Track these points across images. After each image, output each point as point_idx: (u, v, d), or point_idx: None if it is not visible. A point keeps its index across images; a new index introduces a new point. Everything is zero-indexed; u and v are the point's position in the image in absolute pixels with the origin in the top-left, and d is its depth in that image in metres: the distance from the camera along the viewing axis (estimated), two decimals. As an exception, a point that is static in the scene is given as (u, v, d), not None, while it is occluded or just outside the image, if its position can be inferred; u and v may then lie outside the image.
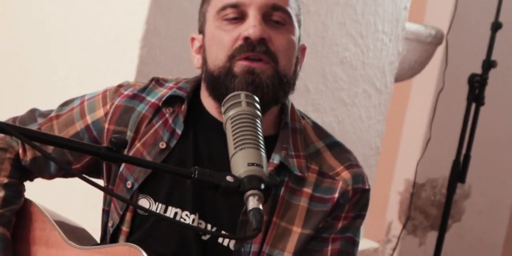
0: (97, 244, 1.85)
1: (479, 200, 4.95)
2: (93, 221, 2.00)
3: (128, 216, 1.82)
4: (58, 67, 2.77)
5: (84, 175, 1.84)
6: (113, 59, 2.63)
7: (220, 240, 1.78)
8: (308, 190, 1.77)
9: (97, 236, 1.91)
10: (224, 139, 1.53)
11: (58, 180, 1.99)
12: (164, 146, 1.81)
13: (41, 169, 1.91)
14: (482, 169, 4.72)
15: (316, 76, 3.14)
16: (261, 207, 1.40)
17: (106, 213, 1.88)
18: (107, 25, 2.65)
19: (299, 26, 1.82)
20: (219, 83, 1.74)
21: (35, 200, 1.89)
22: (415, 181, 4.34)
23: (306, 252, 1.78)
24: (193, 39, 1.86)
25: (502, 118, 4.87)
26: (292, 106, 1.85)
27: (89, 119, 1.88)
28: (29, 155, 1.89)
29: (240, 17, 1.75)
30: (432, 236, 4.45)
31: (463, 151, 3.87)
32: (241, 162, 1.45)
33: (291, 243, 1.76)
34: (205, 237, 1.78)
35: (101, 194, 1.96)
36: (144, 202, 1.80)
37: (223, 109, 1.56)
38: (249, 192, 1.41)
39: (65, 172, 1.93)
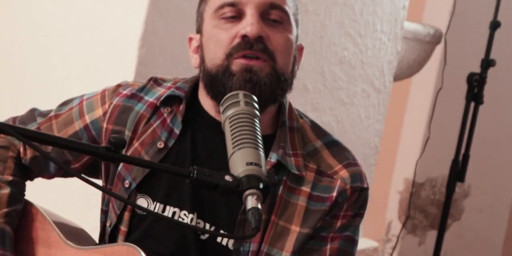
0: (96, 244, 1.85)
1: (478, 199, 4.95)
2: (92, 221, 2.00)
3: (126, 215, 1.82)
4: (58, 67, 2.77)
5: (82, 174, 1.86)
6: (112, 59, 2.64)
7: (218, 239, 1.78)
8: (306, 189, 1.78)
9: (96, 236, 1.91)
10: (222, 139, 1.53)
11: (57, 180, 1.99)
12: (162, 145, 1.81)
13: (41, 168, 1.92)
14: (481, 168, 4.72)
15: (314, 76, 3.14)
16: (259, 206, 1.41)
17: (104, 213, 1.88)
18: (106, 26, 2.66)
19: (297, 26, 1.83)
20: (217, 81, 1.75)
21: (34, 200, 1.89)
22: (414, 181, 4.34)
23: (305, 251, 1.78)
24: (190, 39, 1.87)
25: (501, 117, 4.88)
26: (290, 105, 1.86)
27: (87, 118, 1.89)
28: (29, 154, 1.90)
29: (238, 15, 1.76)
30: (432, 235, 4.46)
31: (462, 150, 3.87)
32: (239, 162, 1.46)
33: (290, 242, 1.76)
34: (204, 237, 1.79)
35: (100, 194, 1.97)
36: (142, 202, 1.81)
37: (221, 109, 1.56)
38: (247, 192, 1.42)
39: (65, 171, 1.94)
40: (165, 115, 1.84)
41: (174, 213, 1.79)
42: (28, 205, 1.87)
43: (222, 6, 1.76)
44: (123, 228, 1.83)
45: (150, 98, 1.86)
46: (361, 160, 1.91)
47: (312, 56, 3.10)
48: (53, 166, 1.91)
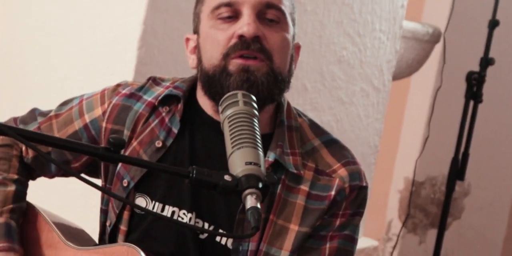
0: (96, 244, 1.85)
1: (478, 198, 4.95)
2: (92, 221, 2.00)
3: (126, 214, 1.83)
4: (58, 67, 2.78)
5: (82, 174, 1.87)
6: (111, 59, 2.64)
7: (218, 239, 1.78)
8: (305, 187, 1.78)
9: (96, 236, 1.92)
10: (221, 138, 1.53)
11: (58, 180, 2.00)
12: (160, 144, 1.81)
13: (42, 167, 1.93)
14: (481, 167, 4.73)
15: (313, 75, 3.14)
16: (259, 205, 1.41)
17: (104, 212, 1.89)
18: (106, 26, 2.66)
19: (293, 25, 1.83)
20: (214, 81, 1.75)
21: (35, 200, 1.90)
22: (414, 179, 4.34)
23: (304, 250, 1.78)
24: (187, 39, 1.87)
25: (500, 115, 4.88)
26: (288, 104, 1.86)
27: (87, 118, 1.89)
28: (31, 153, 1.91)
29: (234, 15, 1.76)
30: (432, 234, 4.46)
31: (462, 148, 3.88)
32: (238, 161, 1.46)
33: (289, 241, 1.76)
34: (203, 236, 1.79)
35: (99, 193, 1.97)
36: (140, 201, 1.81)
37: (220, 109, 1.57)
38: (247, 191, 1.42)
39: (64, 171, 1.95)
40: (163, 114, 1.84)
41: (173, 212, 1.79)
42: (28, 206, 1.88)
43: (218, 7, 1.76)
44: (123, 227, 1.83)
45: (149, 98, 1.87)
46: (361, 159, 1.91)
47: (311, 55, 3.11)
48: (54, 165, 1.92)
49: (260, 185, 1.43)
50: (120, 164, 1.84)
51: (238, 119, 1.52)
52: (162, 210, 1.80)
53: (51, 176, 1.96)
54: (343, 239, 1.80)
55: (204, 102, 1.83)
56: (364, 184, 1.82)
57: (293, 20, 1.83)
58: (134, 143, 1.83)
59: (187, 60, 1.87)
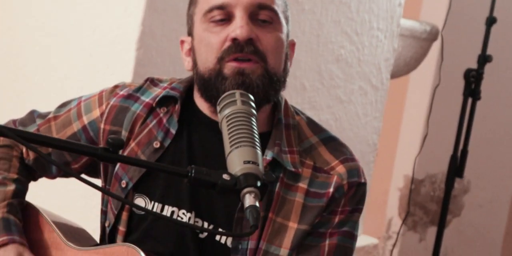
0: (97, 244, 1.86)
1: (478, 195, 4.96)
2: (93, 221, 2.01)
3: (124, 215, 1.83)
4: (58, 67, 2.78)
5: (81, 175, 1.87)
6: (111, 59, 2.65)
7: (217, 237, 1.79)
8: (303, 185, 1.78)
9: (96, 237, 1.93)
10: (219, 138, 1.54)
11: (58, 181, 2.01)
12: (158, 145, 1.82)
13: (43, 168, 1.94)
14: (480, 164, 4.73)
15: (312, 74, 3.15)
16: (257, 204, 1.41)
17: (104, 213, 1.89)
18: (105, 26, 2.66)
19: (287, 23, 1.83)
20: (210, 85, 1.76)
21: (35, 200, 1.91)
22: (413, 177, 4.35)
23: (303, 248, 1.78)
24: (182, 41, 1.88)
25: (498, 112, 4.88)
26: (286, 102, 1.87)
27: (85, 119, 1.90)
28: (32, 155, 1.92)
29: (227, 18, 1.76)
30: (432, 231, 4.46)
31: (461, 146, 3.88)
32: (237, 160, 1.46)
33: (288, 239, 1.76)
34: (202, 235, 1.80)
35: (100, 194, 1.98)
36: (139, 202, 1.82)
37: (218, 108, 1.57)
38: (245, 190, 1.42)
39: (65, 172, 1.95)
40: (161, 115, 1.85)
41: (172, 212, 1.80)
42: (29, 206, 1.88)
43: (211, 10, 1.76)
44: (122, 228, 1.84)
45: (146, 98, 1.87)
46: (360, 158, 1.92)
47: (309, 54, 3.11)
48: (54, 166, 1.93)
49: (258, 183, 1.43)
50: (118, 165, 1.84)
51: (236, 118, 1.53)
52: (162, 210, 1.80)
53: (52, 177, 1.97)
54: (342, 235, 1.80)
55: (201, 102, 1.83)
56: (363, 180, 1.82)
57: (286, 18, 1.82)
58: (132, 144, 1.84)
59: (183, 62, 1.87)
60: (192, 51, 1.83)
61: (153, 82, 1.92)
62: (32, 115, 1.97)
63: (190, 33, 1.84)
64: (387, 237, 4.64)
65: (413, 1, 4.32)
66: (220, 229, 1.78)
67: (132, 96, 1.88)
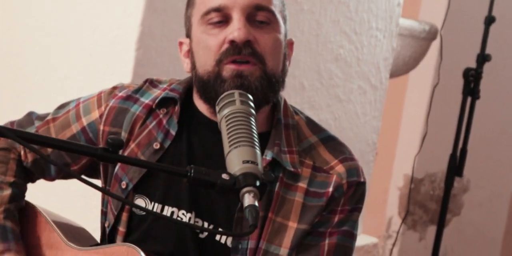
0: (97, 244, 1.86)
1: (477, 194, 4.96)
2: (93, 221, 2.01)
3: (124, 216, 1.83)
4: (58, 67, 2.79)
5: (82, 176, 1.87)
6: (111, 60, 2.65)
7: (217, 237, 1.79)
8: (303, 185, 1.79)
9: (97, 237, 1.93)
10: (218, 138, 1.54)
11: (58, 181, 2.01)
12: (158, 146, 1.82)
13: (42, 171, 1.94)
14: (480, 163, 4.74)
15: (311, 74, 3.15)
16: (256, 203, 1.41)
17: (104, 214, 1.89)
18: (105, 27, 2.67)
19: (285, 22, 1.83)
20: (209, 87, 1.76)
21: (35, 201, 1.91)
22: (413, 176, 4.35)
23: (303, 247, 1.78)
24: (181, 43, 1.87)
25: (497, 111, 4.89)
26: (285, 102, 1.87)
27: (84, 121, 1.90)
28: (30, 157, 1.92)
29: (225, 20, 1.76)
30: (432, 230, 4.46)
31: (460, 145, 3.89)
32: (236, 160, 1.47)
33: (288, 238, 1.77)
34: (203, 235, 1.80)
35: (100, 195, 1.98)
36: (140, 202, 1.82)
37: (217, 108, 1.58)
38: (244, 189, 1.42)
39: (65, 174, 1.95)
40: (161, 116, 1.85)
41: (172, 213, 1.80)
42: (29, 206, 1.88)
43: (208, 12, 1.76)
44: (121, 228, 1.84)
45: (146, 100, 1.87)
46: (359, 157, 1.92)
47: (308, 54, 3.12)
48: (54, 168, 1.93)
49: (258, 183, 1.43)
50: (118, 166, 1.84)
51: (235, 118, 1.53)
52: (162, 210, 1.80)
53: (51, 179, 1.97)
54: (342, 235, 1.81)
55: (200, 104, 1.83)
56: (362, 179, 1.82)
57: (283, 18, 1.82)
58: (132, 145, 1.84)
59: (182, 64, 1.87)
60: (190, 53, 1.83)
61: (152, 83, 1.92)
62: (30, 117, 1.97)
63: (188, 35, 1.84)
64: (387, 236, 4.64)
65: (412, 1, 4.33)
66: (220, 229, 1.78)
67: (131, 98, 1.88)
